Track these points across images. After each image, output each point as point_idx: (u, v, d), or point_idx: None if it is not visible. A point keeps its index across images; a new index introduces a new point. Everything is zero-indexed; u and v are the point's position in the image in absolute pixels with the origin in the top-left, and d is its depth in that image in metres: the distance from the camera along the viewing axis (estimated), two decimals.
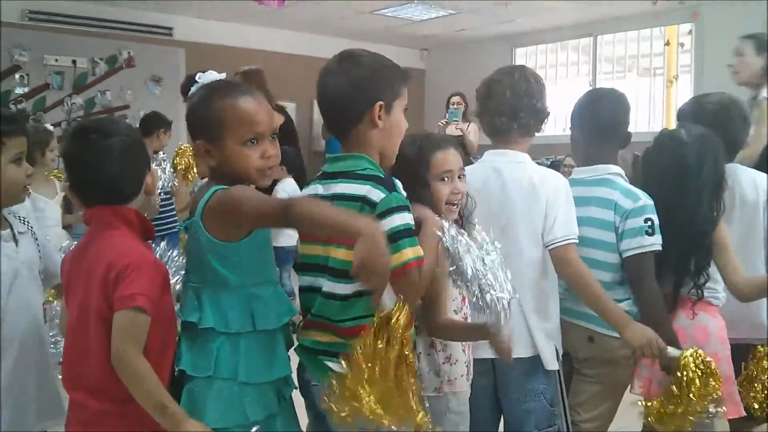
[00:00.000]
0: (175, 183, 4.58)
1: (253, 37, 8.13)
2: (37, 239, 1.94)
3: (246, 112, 1.61)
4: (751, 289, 2.23)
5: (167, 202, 4.89)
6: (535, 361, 2.12)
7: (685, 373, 1.98)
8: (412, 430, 1.48)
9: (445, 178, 1.95)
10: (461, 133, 5.85)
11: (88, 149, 1.64)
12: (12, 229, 1.85)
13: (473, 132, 6.05)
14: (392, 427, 1.45)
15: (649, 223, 2.16)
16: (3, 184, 1.74)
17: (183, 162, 4.84)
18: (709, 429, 2.09)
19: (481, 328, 1.81)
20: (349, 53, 1.75)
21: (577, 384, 2.32)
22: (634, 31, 7.90)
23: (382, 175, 1.67)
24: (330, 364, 1.67)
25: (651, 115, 7.76)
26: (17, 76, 6.99)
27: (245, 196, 1.55)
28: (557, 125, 6.75)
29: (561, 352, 2.20)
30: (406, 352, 1.50)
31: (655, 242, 2.17)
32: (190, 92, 1.69)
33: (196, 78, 1.69)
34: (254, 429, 1.54)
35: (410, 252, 1.60)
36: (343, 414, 1.47)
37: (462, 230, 1.79)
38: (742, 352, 2.37)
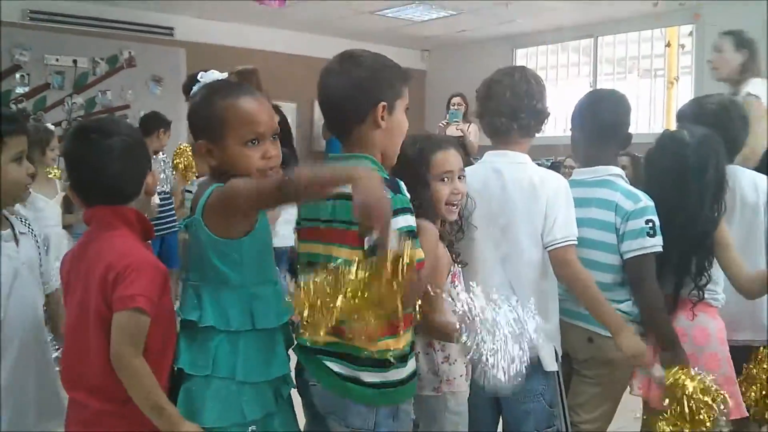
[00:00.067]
0: (174, 182, 4.59)
1: (254, 37, 8.12)
2: (38, 241, 1.94)
3: (247, 113, 1.62)
4: (757, 286, 2.23)
5: (166, 202, 4.89)
6: (534, 362, 2.12)
7: (688, 402, 2.00)
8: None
9: (445, 179, 1.96)
10: (462, 134, 5.85)
11: (89, 149, 1.64)
12: (13, 229, 1.85)
13: (474, 133, 6.05)
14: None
15: (651, 224, 2.16)
16: (4, 184, 1.74)
17: (182, 162, 4.85)
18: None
19: None
20: (350, 54, 1.75)
21: (577, 385, 2.32)
22: (635, 32, 7.90)
23: (386, 176, 1.68)
24: (329, 364, 1.67)
25: (651, 116, 7.76)
26: (18, 75, 6.98)
27: (241, 183, 1.55)
28: (557, 126, 6.75)
29: (560, 353, 2.20)
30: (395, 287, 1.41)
31: (656, 243, 2.17)
32: (192, 91, 1.69)
33: (198, 77, 1.70)
34: (250, 429, 1.54)
35: (412, 254, 1.60)
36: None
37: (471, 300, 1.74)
38: (742, 353, 2.37)
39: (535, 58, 8.83)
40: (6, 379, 1.77)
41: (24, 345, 1.81)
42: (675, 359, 2.16)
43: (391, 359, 1.64)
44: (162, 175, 4.59)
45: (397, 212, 1.61)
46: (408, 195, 1.68)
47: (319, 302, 1.38)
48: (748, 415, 2.28)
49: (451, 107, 6.41)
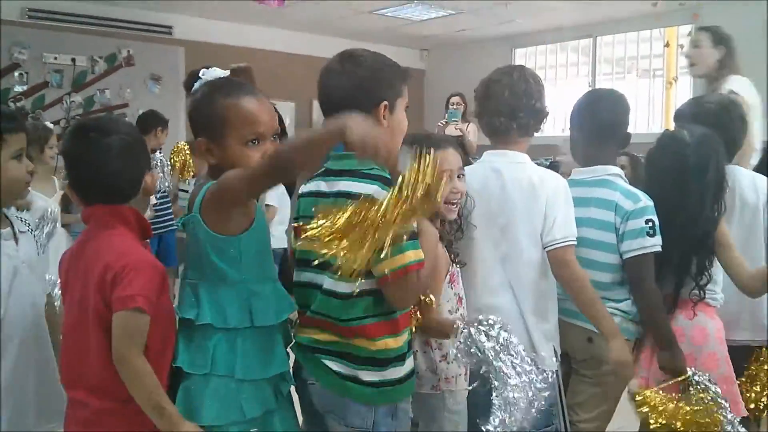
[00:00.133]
0: (172, 181, 4.60)
1: (253, 37, 8.12)
2: (37, 240, 1.94)
3: (249, 112, 1.62)
4: (759, 283, 2.23)
5: (164, 200, 4.90)
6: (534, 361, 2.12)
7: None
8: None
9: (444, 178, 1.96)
10: (461, 134, 5.85)
11: (88, 147, 1.64)
12: (12, 228, 1.85)
13: (472, 132, 6.05)
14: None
15: (650, 224, 2.16)
16: (4, 182, 1.73)
17: (179, 160, 4.86)
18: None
19: None
20: (350, 53, 1.74)
21: (576, 384, 2.32)
22: (634, 32, 7.91)
23: (388, 176, 1.68)
24: (328, 363, 1.67)
25: (650, 116, 7.76)
26: (16, 74, 6.98)
27: (233, 172, 1.55)
28: (556, 126, 6.75)
29: (559, 353, 2.20)
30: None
31: (655, 243, 2.17)
32: (193, 88, 1.69)
33: (201, 74, 1.69)
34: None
35: (412, 254, 1.61)
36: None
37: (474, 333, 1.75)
38: (742, 353, 2.37)
39: (534, 57, 8.83)
40: (6, 378, 1.76)
41: (24, 344, 1.81)
42: (672, 359, 2.17)
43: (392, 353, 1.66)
44: (159, 174, 4.59)
45: None
46: None
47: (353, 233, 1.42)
48: (746, 414, 2.28)
49: (450, 107, 6.41)
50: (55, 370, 1.86)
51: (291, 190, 4.45)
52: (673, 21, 7.47)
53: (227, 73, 1.71)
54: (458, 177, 2.01)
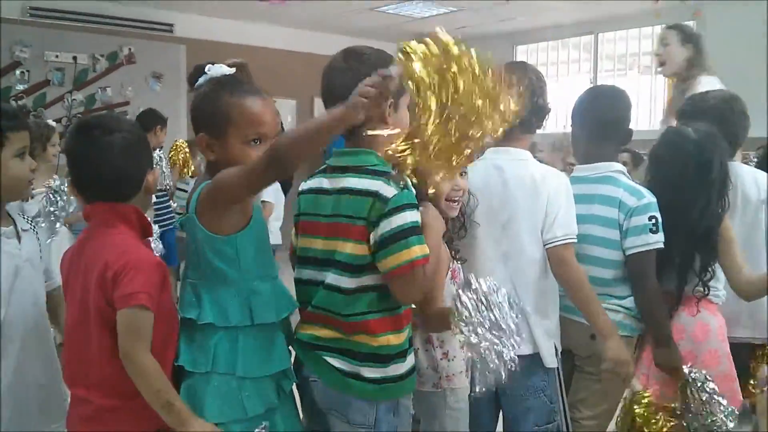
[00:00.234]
0: (171, 179, 4.61)
1: (254, 34, 8.12)
2: (39, 237, 1.94)
3: (253, 112, 1.62)
4: (754, 288, 2.24)
5: (163, 199, 4.90)
6: (535, 358, 2.13)
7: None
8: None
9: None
10: None
11: (91, 145, 1.64)
12: (15, 226, 1.85)
13: None
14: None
15: (654, 220, 2.16)
16: (7, 180, 1.74)
17: (179, 158, 4.86)
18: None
19: None
20: (354, 50, 1.74)
21: (579, 381, 2.32)
22: (636, 29, 7.89)
23: (391, 171, 1.68)
24: (330, 360, 1.67)
25: (652, 112, 7.75)
26: (18, 72, 6.98)
27: (227, 171, 1.54)
28: (558, 123, 6.74)
29: (560, 350, 2.20)
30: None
31: (658, 240, 2.17)
32: (197, 83, 1.69)
33: (206, 70, 1.69)
34: (262, 425, 1.54)
35: (418, 249, 1.61)
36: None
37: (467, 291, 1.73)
38: (743, 350, 2.38)
39: (536, 54, 8.81)
40: (8, 377, 1.77)
41: (26, 343, 1.81)
42: (669, 357, 2.17)
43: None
44: (160, 172, 4.60)
45: (404, 207, 1.62)
46: (414, 190, 1.69)
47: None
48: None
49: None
50: (58, 369, 1.86)
51: (285, 187, 4.45)
52: (674, 18, 7.44)
53: (233, 70, 1.71)
54: (461, 175, 2.00)
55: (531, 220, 2.12)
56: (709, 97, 2.54)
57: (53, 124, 4.26)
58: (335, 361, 1.67)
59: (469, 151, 1.61)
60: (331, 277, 1.67)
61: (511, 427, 2.21)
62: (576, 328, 2.25)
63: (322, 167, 1.83)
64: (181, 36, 7.80)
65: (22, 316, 1.80)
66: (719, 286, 2.29)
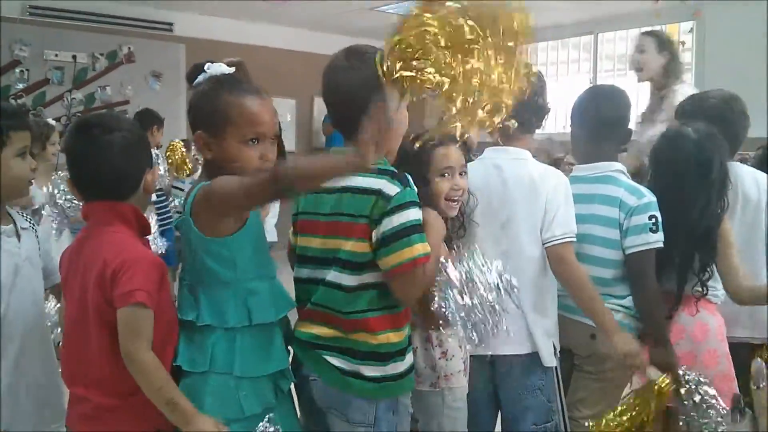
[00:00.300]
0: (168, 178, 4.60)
1: (254, 34, 8.11)
2: (38, 235, 1.94)
3: (251, 112, 1.62)
4: (749, 296, 2.23)
5: (161, 198, 4.90)
6: (534, 357, 2.13)
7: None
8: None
9: (446, 174, 1.96)
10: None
11: (91, 144, 1.64)
12: (15, 225, 1.85)
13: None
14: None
15: (654, 220, 2.17)
16: (8, 179, 1.74)
17: (175, 158, 4.85)
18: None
19: None
20: (356, 49, 1.74)
21: (578, 380, 2.32)
22: (635, 29, 7.89)
23: (395, 171, 1.68)
24: (330, 359, 1.67)
25: None
26: (17, 71, 6.98)
27: (231, 180, 1.54)
28: (558, 123, 6.75)
29: (558, 349, 2.20)
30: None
31: (658, 239, 2.17)
32: (196, 81, 1.68)
33: (205, 68, 1.69)
34: (267, 417, 1.53)
35: (420, 248, 1.61)
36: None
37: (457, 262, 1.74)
38: (742, 350, 2.37)
39: (535, 54, 8.82)
40: (7, 377, 1.76)
41: (26, 342, 1.81)
42: (665, 356, 2.17)
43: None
44: (159, 171, 4.59)
45: (407, 205, 1.62)
46: (416, 189, 1.69)
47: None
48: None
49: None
50: (57, 368, 1.86)
51: None
52: (674, 18, 7.46)
53: (233, 70, 1.70)
54: (460, 174, 2.01)
55: (530, 219, 2.12)
56: (710, 97, 2.54)
57: (53, 122, 4.26)
58: (335, 360, 1.67)
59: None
60: (332, 275, 1.67)
61: (510, 427, 2.21)
62: (575, 327, 2.26)
63: None
64: (180, 35, 7.80)
65: (21, 315, 1.80)
66: (718, 285, 2.29)
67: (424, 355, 1.97)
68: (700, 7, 7.04)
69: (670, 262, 2.24)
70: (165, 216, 4.93)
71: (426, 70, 1.41)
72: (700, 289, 2.24)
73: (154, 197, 4.43)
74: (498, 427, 2.27)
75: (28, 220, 1.92)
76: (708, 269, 2.24)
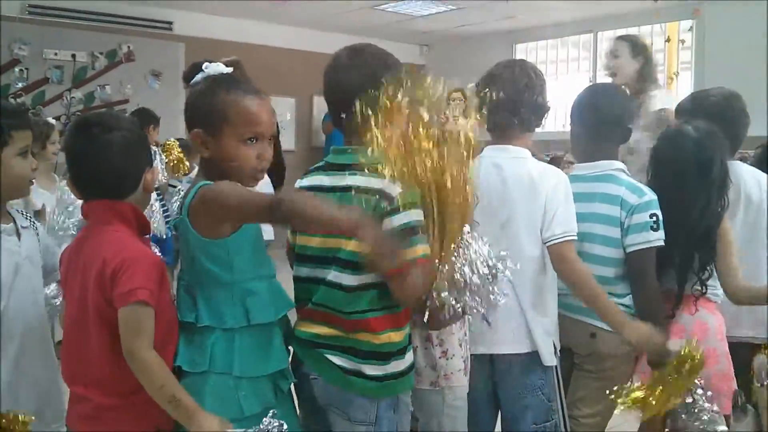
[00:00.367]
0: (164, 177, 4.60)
1: (253, 32, 8.12)
2: (38, 234, 1.93)
3: (250, 111, 1.62)
4: (748, 296, 2.23)
5: (158, 197, 4.89)
6: (533, 356, 2.12)
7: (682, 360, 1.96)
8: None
9: None
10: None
11: (90, 143, 1.64)
12: (15, 223, 1.84)
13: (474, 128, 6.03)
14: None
15: (654, 218, 2.16)
16: (10, 179, 1.74)
17: (171, 158, 4.84)
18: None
19: None
20: (359, 48, 1.74)
21: (578, 380, 2.32)
22: (635, 27, 7.89)
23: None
24: (331, 358, 1.67)
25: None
26: (17, 70, 6.98)
27: (232, 190, 1.54)
28: (557, 121, 6.75)
29: (558, 348, 2.20)
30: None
31: (659, 237, 2.17)
32: (193, 80, 1.68)
33: (203, 67, 1.68)
34: (271, 412, 1.53)
35: (421, 249, 1.61)
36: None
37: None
38: (744, 350, 2.37)
39: (535, 53, 8.82)
40: (7, 376, 1.76)
41: (26, 341, 1.81)
42: (665, 356, 2.16)
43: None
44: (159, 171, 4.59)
45: (408, 206, 1.62)
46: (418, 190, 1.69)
47: None
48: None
49: (451, 102, 6.40)
50: (57, 367, 1.86)
51: (277, 182, 4.44)
52: (673, 16, 7.47)
53: (230, 69, 1.70)
54: None
55: (529, 218, 2.12)
56: (710, 95, 2.53)
57: (53, 121, 4.25)
58: (336, 359, 1.67)
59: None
60: (333, 275, 1.67)
61: (510, 426, 2.21)
62: (575, 326, 2.25)
63: (319, 164, 1.82)
64: (180, 34, 7.80)
65: (21, 314, 1.80)
66: (717, 284, 2.29)
67: (425, 354, 1.96)
68: (699, 5, 7.04)
69: (671, 261, 2.23)
70: (165, 215, 4.92)
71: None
72: (700, 288, 2.24)
73: (154, 196, 4.42)
74: (498, 427, 2.27)
75: (29, 218, 1.92)
76: (708, 268, 2.24)
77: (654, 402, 1.95)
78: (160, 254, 2.85)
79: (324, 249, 1.70)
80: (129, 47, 7.59)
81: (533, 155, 2.22)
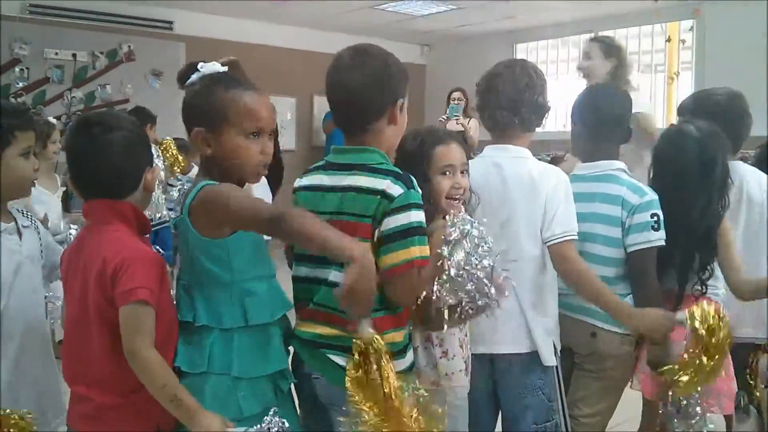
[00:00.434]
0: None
1: (254, 32, 8.12)
2: (40, 233, 1.94)
3: (250, 106, 1.62)
4: (750, 290, 2.23)
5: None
6: (534, 356, 2.12)
7: (701, 325, 1.92)
8: None
9: (447, 172, 1.95)
10: (462, 129, 5.86)
11: (91, 143, 1.64)
12: (16, 223, 1.85)
13: (474, 128, 6.06)
14: None
15: (655, 218, 2.16)
16: (12, 179, 1.74)
17: (168, 157, 4.85)
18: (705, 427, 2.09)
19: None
20: (362, 48, 1.74)
21: (578, 379, 2.32)
22: (635, 27, 7.89)
23: (400, 171, 1.68)
24: (334, 358, 1.67)
25: (652, 111, 7.74)
26: (17, 69, 6.98)
27: (234, 196, 1.54)
28: (557, 121, 6.75)
29: (559, 348, 2.20)
30: (388, 376, 1.47)
31: (660, 237, 2.17)
32: (189, 80, 1.68)
33: (199, 66, 1.68)
34: (272, 410, 1.53)
35: (418, 251, 1.61)
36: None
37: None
38: (745, 350, 2.37)
39: (536, 53, 8.82)
40: (7, 375, 1.76)
41: (26, 341, 1.81)
42: (663, 355, 2.16)
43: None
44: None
45: (409, 207, 1.62)
46: (420, 191, 1.69)
47: None
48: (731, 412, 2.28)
49: (451, 102, 6.42)
50: (57, 367, 1.86)
51: (275, 181, 4.43)
52: (674, 16, 7.46)
53: (226, 68, 1.71)
54: (462, 173, 2.00)
55: (529, 218, 2.11)
56: (713, 94, 2.53)
57: (53, 121, 4.26)
58: (339, 359, 1.66)
59: None
60: (333, 275, 1.67)
61: (510, 426, 2.21)
62: (576, 326, 2.25)
63: (319, 164, 1.82)
64: (180, 33, 7.80)
65: (21, 313, 1.80)
66: (718, 284, 2.29)
67: (425, 354, 1.96)
68: (699, 5, 7.04)
69: (671, 261, 2.23)
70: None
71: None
72: (700, 288, 2.24)
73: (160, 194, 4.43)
74: (498, 427, 2.27)
75: (30, 218, 1.92)
76: (708, 268, 2.24)
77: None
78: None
79: None
80: (129, 47, 7.59)
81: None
